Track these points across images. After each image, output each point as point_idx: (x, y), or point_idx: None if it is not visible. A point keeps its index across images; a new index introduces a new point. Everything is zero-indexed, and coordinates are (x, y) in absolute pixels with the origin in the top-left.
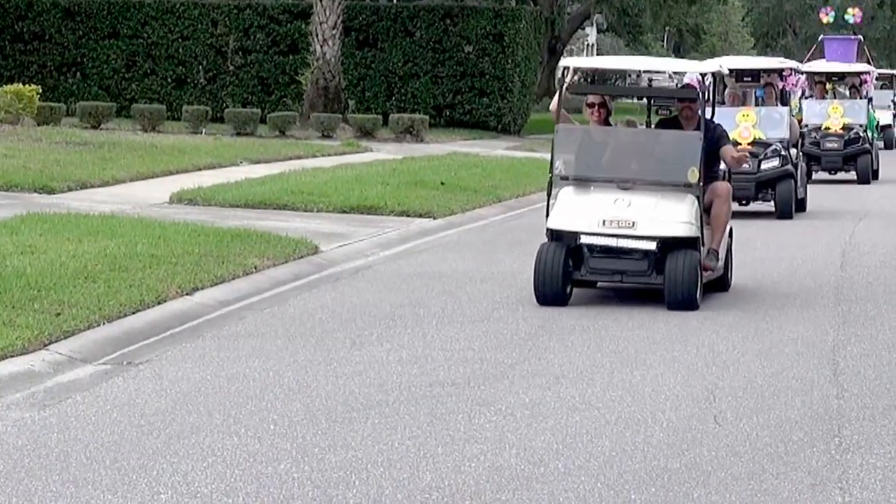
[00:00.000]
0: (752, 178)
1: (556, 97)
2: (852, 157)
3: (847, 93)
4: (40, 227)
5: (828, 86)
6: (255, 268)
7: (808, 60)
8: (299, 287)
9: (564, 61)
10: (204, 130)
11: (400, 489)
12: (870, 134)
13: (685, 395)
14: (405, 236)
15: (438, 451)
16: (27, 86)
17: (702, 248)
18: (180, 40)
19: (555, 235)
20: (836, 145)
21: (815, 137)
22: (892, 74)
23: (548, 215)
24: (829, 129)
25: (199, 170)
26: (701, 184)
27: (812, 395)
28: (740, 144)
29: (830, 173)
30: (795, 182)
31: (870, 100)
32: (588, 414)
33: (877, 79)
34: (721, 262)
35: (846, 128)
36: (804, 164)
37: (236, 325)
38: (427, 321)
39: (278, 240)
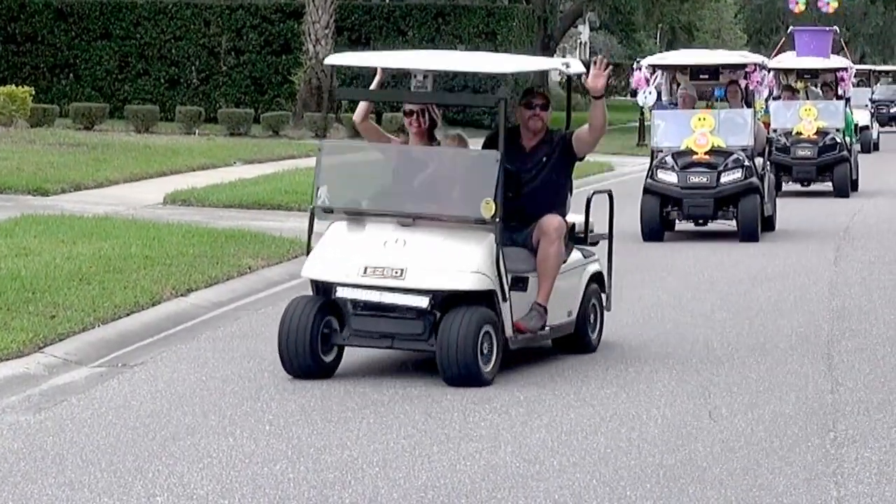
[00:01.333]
0: (710, 194)
1: (360, 105)
2: (828, 167)
3: (821, 92)
4: (34, 230)
5: (799, 84)
6: (250, 268)
7: (777, 55)
8: (294, 287)
9: (330, 59)
10: (197, 131)
11: (395, 488)
12: (848, 139)
13: (680, 391)
14: None
15: (434, 449)
16: (20, 87)
17: (506, 305)
18: (173, 41)
19: (318, 287)
20: (809, 153)
21: (784, 144)
22: (870, 70)
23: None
24: (800, 134)
25: (193, 170)
26: (498, 219)
27: (806, 390)
28: (696, 154)
29: (803, 185)
30: (762, 197)
31: (847, 100)
32: (583, 411)
33: (854, 76)
34: (571, 317)
35: (820, 132)
36: (772, 176)
37: (231, 325)
38: None
39: (272, 240)
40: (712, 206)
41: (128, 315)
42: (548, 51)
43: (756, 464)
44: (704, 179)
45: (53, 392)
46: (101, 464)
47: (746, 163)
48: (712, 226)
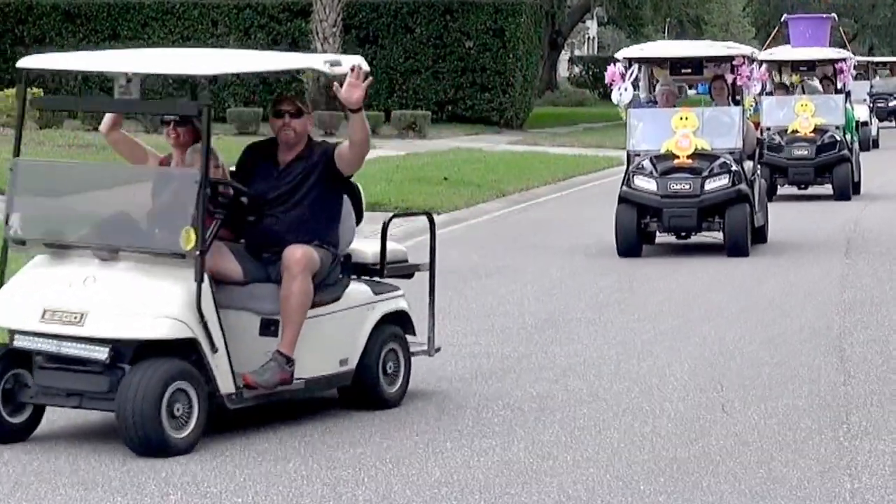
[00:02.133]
0: (693, 203)
1: (106, 115)
2: (827, 167)
3: (819, 86)
4: None
5: (795, 78)
6: None
7: (769, 46)
8: None
9: (22, 62)
10: None
11: (409, 485)
12: (848, 137)
13: (692, 385)
14: (409, 232)
15: (447, 445)
16: (29, 89)
17: (217, 356)
18: (181, 41)
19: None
20: (806, 152)
21: (779, 143)
22: (868, 62)
23: None
24: (796, 132)
25: None
26: (198, 252)
27: (819, 383)
28: (678, 158)
29: (800, 188)
30: (751, 206)
31: (847, 94)
32: (596, 406)
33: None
34: (348, 367)
35: (818, 130)
36: (763, 182)
37: None
38: None
39: None
40: (696, 217)
41: None
42: (556, 47)
43: (770, 457)
44: (687, 187)
45: None
46: (115, 463)
47: (734, 167)
48: (696, 238)
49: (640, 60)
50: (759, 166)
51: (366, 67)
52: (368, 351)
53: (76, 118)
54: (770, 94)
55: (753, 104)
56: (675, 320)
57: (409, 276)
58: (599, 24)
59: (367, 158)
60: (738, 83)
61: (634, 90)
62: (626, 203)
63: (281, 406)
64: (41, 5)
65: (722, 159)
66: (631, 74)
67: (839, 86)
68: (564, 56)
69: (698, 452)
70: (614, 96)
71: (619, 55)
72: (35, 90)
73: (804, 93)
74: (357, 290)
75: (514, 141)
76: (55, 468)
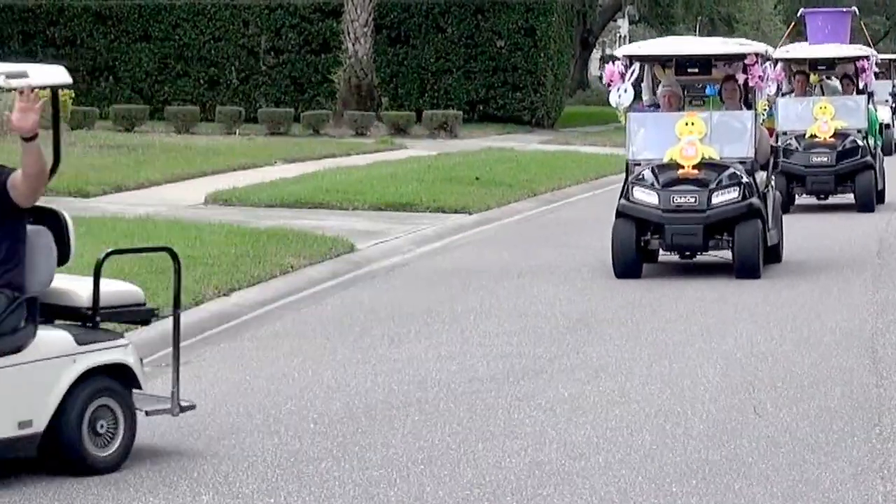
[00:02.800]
0: (698, 219)
1: None
2: (849, 175)
3: (839, 86)
4: (76, 231)
5: (812, 77)
6: (292, 267)
7: (785, 43)
8: (336, 286)
9: None
10: (237, 131)
11: (441, 486)
12: (871, 141)
13: (724, 386)
14: (441, 233)
15: (479, 447)
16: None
17: None
18: (212, 42)
19: None
20: (825, 159)
21: (796, 148)
22: (891, 60)
23: None
24: (815, 136)
25: (234, 170)
26: None
27: (852, 385)
28: (682, 168)
29: (819, 198)
30: (764, 222)
31: (870, 95)
32: (627, 407)
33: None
34: (31, 430)
35: (839, 134)
36: (778, 193)
37: (274, 324)
38: (464, 317)
39: (314, 239)
40: (702, 234)
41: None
42: (587, 45)
43: (802, 459)
44: (692, 200)
45: None
46: (146, 463)
47: (745, 179)
48: (702, 257)
49: (642, 58)
50: (773, 177)
51: (38, 83)
52: (66, 409)
53: (107, 119)
54: (788, 93)
55: (767, 108)
56: (706, 321)
57: (145, 322)
58: (631, 23)
59: (399, 158)
60: (750, 84)
61: (635, 91)
62: (624, 218)
63: (315, 407)
64: (72, 7)
65: (731, 170)
66: (631, 74)
67: (861, 86)
68: (596, 55)
69: (730, 454)
70: (612, 98)
71: (618, 52)
72: (66, 91)
73: (823, 94)
74: (51, 339)
75: (545, 140)
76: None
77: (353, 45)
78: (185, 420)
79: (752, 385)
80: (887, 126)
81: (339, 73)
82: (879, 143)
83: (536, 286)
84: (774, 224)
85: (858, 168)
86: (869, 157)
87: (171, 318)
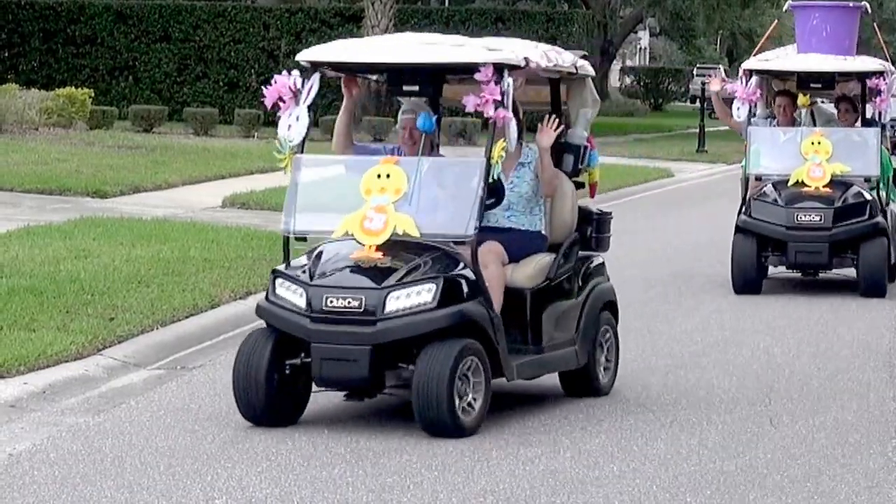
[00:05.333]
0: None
1: None
2: (848, 244)
3: (835, 112)
4: (93, 232)
5: (801, 98)
6: None
7: (762, 49)
8: None
9: None
10: (256, 134)
11: (455, 493)
12: (884, 194)
13: (740, 397)
14: None
15: (493, 454)
16: (79, 89)
17: None
18: (232, 44)
19: None
20: (817, 218)
21: (774, 201)
22: None
23: None
24: (803, 185)
25: (252, 173)
26: None
27: (868, 397)
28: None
29: (805, 274)
30: (890, 240)
31: (883, 127)
32: (642, 417)
33: None
34: None
35: (837, 183)
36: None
37: None
38: None
39: None
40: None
41: (186, 318)
42: (608, 56)
43: (817, 471)
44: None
45: (112, 394)
46: (160, 466)
47: (869, 196)
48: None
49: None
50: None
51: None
52: None
53: (126, 119)
54: (770, 118)
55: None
56: (722, 333)
57: None
58: (651, 35)
59: None
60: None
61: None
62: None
63: (328, 411)
64: (93, 5)
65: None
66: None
67: (870, 114)
68: (616, 66)
69: (745, 465)
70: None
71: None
72: (85, 90)
73: (814, 123)
74: None
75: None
76: (100, 471)
77: None
78: (200, 423)
79: (769, 397)
80: None
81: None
82: (894, 195)
83: None
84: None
85: (863, 234)
86: (880, 218)
87: (185, 322)
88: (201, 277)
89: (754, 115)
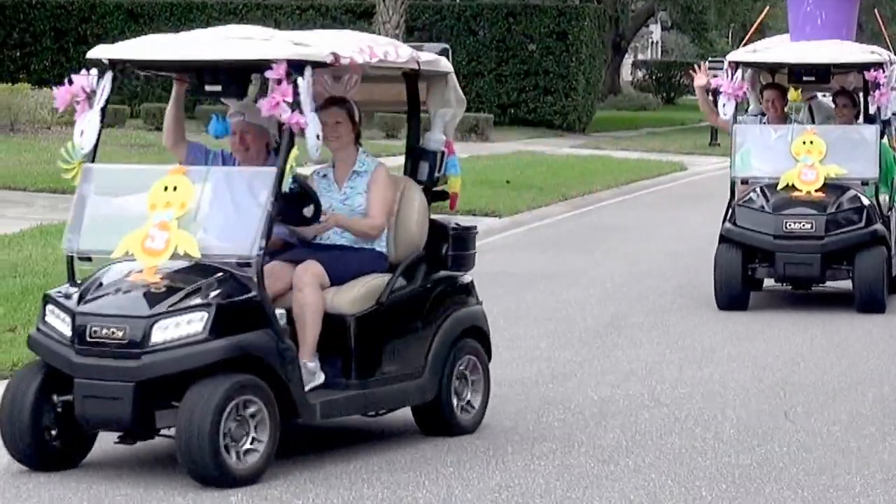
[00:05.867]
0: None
1: None
2: (843, 255)
3: (832, 107)
4: None
5: (792, 93)
6: None
7: (751, 41)
8: None
9: None
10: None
11: (469, 488)
12: (886, 198)
13: (755, 390)
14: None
15: (508, 449)
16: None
17: None
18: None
19: None
20: (808, 226)
21: (761, 207)
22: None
23: None
24: (793, 189)
25: None
26: None
27: (883, 390)
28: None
29: (795, 288)
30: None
31: (884, 124)
32: (657, 411)
33: None
34: None
35: (832, 187)
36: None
37: None
38: (493, 320)
39: None
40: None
41: None
42: (619, 50)
43: (833, 464)
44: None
45: None
46: (176, 462)
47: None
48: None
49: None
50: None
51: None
52: None
53: (138, 117)
54: (759, 116)
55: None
56: (736, 327)
57: None
58: (663, 29)
59: None
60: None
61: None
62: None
63: None
64: (105, 4)
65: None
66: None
67: (872, 109)
68: (628, 60)
69: (760, 459)
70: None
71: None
72: None
73: (813, 120)
74: None
75: (576, 145)
76: (116, 467)
77: None
78: None
79: (784, 389)
80: None
81: None
82: None
83: (566, 290)
84: None
85: (861, 242)
86: (878, 225)
87: None
88: None
89: (746, 111)
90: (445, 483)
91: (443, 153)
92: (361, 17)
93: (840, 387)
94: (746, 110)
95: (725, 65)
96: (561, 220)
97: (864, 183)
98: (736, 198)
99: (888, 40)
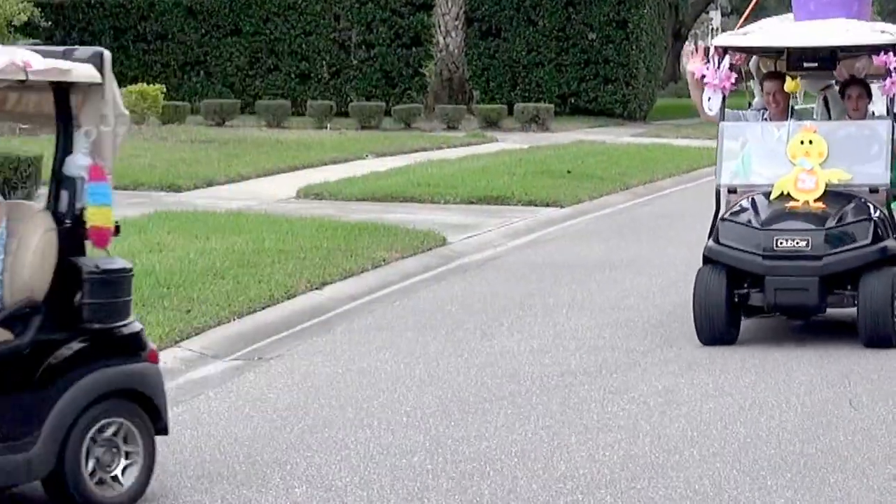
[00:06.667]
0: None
1: None
2: (846, 279)
3: (838, 98)
4: (168, 226)
5: (789, 83)
6: (384, 261)
7: (746, 23)
8: (428, 279)
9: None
10: (329, 125)
11: (534, 479)
12: None
13: (819, 379)
14: (532, 226)
15: (572, 440)
16: (152, 85)
17: None
18: (303, 36)
19: None
20: (803, 244)
21: (748, 221)
22: None
23: None
24: (788, 198)
25: (325, 164)
26: None
27: None
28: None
29: (790, 317)
30: None
31: None
32: (721, 401)
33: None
34: None
35: (833, 195)
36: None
37: (366, 318)
38: (557, 310)
39: (406, 232)
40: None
41: (263, 309)
42: (679, 37)
43: None
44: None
45: (190, 386)
46: (239, 456)
47: (876, 213)
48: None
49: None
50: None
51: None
52: None
53: (198, 114)
54: (761, 110)
55: None
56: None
57: None
58: (723, 15)
59: (491, 151)
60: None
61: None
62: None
63: (407, 400)
64: (163, 2)
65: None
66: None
67: (880, 103)
68: (688, 47)
69: (825, 447)
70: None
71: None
72: (157, 86)
73: (829, 115)
74: None
75: (637, 133)
76: (180, 461)
77: (445, 38)
78: (279, 413)
79: (848, 378)
80: None
81: (431, 67)
82: None
83: (629, 279)
84: None
85: (866, 263)
86: (891, 242)
87: (261, 313)
88: (277, 269)
89: (750, 104)
90: (510, 474)
91: (82, 178)
92: (420, 10)
93: None
94: (750, 104)
95: (711, 51)
96: (622, 209)
97: (874, 190)
98: (723, 210)
99: None
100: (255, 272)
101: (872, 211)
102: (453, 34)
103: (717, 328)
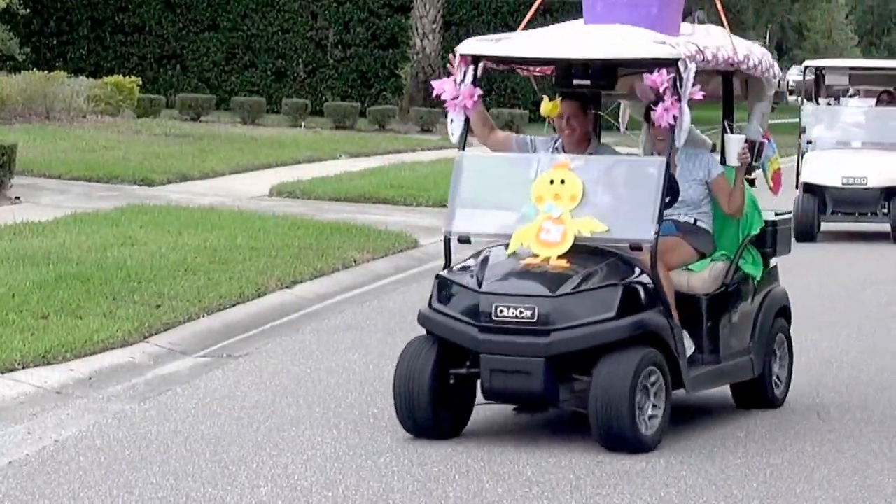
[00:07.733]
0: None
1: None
2: (582, 362)
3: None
4: (140, 219)
5: (544, 105)
6: (355, 261)
7: (531, 24)
8: (399, 281)
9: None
10: (303, 124)
11: (500, 483)
12: (730, 265)
13: (789, 390)
14: None
15: (538, 444)
16: (127, 78)
17: None
18: (280, 33)
19: None
20: (526, 314)
21: (467, 281)
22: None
23: None
24: (528, 252)
25: (299, 163)
26: None
27: None
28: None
29: (513, 405)
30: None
31: (758, 153)
32: (689, 409)
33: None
34: None
35: (584, 251)
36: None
37: (336, 318)
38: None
39: (378, 233)
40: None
41: (233, 306)
42: None
43: (865, 465)
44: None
45: (158, 381)
46: (206, 453)
47: (634, 276)
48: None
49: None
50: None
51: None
52: None
53: (173, 108)
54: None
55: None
56: None
57: None
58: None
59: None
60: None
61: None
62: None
63: (375, 401)
64: None
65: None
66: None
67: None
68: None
69: (792, 458)
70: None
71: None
72: (133, 79)
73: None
74: None
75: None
76: (146, 457)
77: (422, 41)
78: (246, 411)
79: (817, 390)
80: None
81: (406, 69)
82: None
83: None
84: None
85: (606, 342)
86: (648, 315)
87: (231, 311)
88: (248, 266)
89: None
90: (476, 478)
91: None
92: (398, 11)
93: (873, 388)
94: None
95: (457, 60)
96: None
97: (636, 247)
98: (450, 265)
99: (725, 20)
100: (226, 269)
101: (630, 274)
102: (430, 37)
103: (421, 418)
